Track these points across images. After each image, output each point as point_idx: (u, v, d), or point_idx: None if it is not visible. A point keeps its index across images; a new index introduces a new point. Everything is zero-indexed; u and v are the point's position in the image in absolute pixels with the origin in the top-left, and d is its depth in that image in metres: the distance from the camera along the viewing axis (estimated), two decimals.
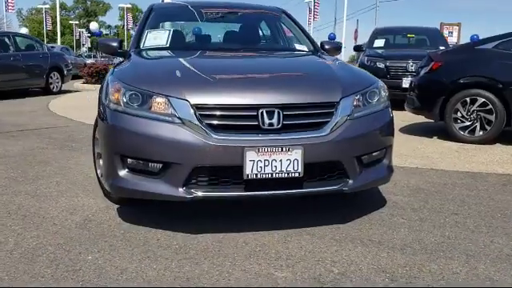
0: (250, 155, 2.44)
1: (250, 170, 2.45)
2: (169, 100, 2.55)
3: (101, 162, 3.29)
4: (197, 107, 2.52)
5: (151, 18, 3.99)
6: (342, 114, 2.64)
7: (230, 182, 2.55)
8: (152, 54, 3.42)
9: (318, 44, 4.03)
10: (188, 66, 2.89)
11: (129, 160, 2.63)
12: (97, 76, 14.63)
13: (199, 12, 4.23)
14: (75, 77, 15.40)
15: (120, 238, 2.63)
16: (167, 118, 2.53)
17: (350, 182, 2.68)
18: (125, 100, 2.63)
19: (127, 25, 63.06)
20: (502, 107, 5.38)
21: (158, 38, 3.68)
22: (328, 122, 2.61)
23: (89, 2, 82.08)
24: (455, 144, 5.46)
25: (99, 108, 2.91)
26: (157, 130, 2.52)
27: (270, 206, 3.09)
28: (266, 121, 2.51)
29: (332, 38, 27.46)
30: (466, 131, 5.57)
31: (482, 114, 5.49)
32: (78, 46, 62.81)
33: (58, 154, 4.68)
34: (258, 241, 2.60)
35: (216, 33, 4.27)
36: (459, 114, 5.60)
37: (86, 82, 14.70)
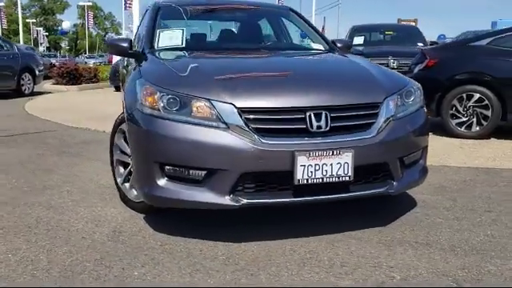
0: (301, 160, 2.35)
1: (301, 175, 2.36)
2: (212, 104, 2.43)
3: (121, 169, 3.14)
4: (242, 111, 2.41)
5: (159, 17, 3.82)
6: (387, 115, 2.59)
7: (277, 187, 2.46)
8: (173, 54, 3.26)
9: None
10: (223, 67, 2.77)
11: (168, 168, 2.49)
12: (67, 77, 14.15)
13: (207, 10, 4.11)
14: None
15: (160, 251, 2.49)
16: (211, 123, 2.41)
17: (395, 183, 2.64)
18: (162, 105, 2.49)
19: (88, 23, 61.57)
20: (498, 102, 5.48)
21: (172, 37, 3.52)
22: (374, 123, 2.55)
23: (45, 0, 79.60)
24: (455, 140, 5.52)
25: (127, 113, 2.75)
26: (201, 135, 2.40)
27: (305, 210, 3.00)
28: (314, 123, 2.43)
29: (303, 36, 27.50)
30: (463, 127, 5.65)
31: (479, 110, 5.58)
32: (36, 45, 60.84)
33: (59, 161, 4.44)
34: (305, 247, 2.52)
35: (228, 31, 4.13)
36: (455, 110, 5.68)
37: (57, 83, 14.19)
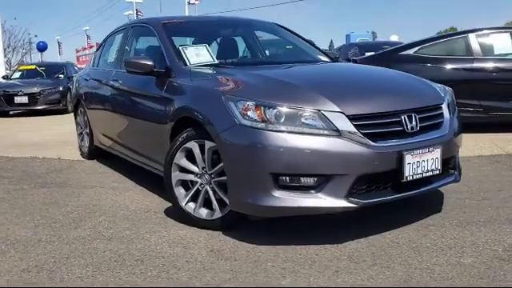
0: (408, 158, 2.62)
1: (408, 173, 2.63)
2: (322, 113, 2.57)
3: (181, 190, 3.07)
4: (351, 118, 2.59)
5: (171, 35, 3.77)
6: (448, 114, 2.99)
7: (383, 186, 2.69)
8: (223, 70, 3.29)
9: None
10: (306, 78, 2.92)
11: (283, 178, 2.56)
12: None
13: (208, 26, 4.14)
14: None
15: (282, 260, 2.52)
16: (323, 132, 2.55)
17: (457, 173, 3.05)
18: (269, 118, 2.56)
19: None
20: None
21: (200, 54, 3.52)
22: (442, 121, 2.93)
23: None
24: None
25: (219, 131, 2.70)
26: (316, 143, 2.52)
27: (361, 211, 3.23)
28: (409, 125, 2.72)
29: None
30: None
31: None
32: None
33: (52, 194, 3.99)
34: (401, 238, 2.76)
35: (242, 46, 4.18)
36: None
37: None
